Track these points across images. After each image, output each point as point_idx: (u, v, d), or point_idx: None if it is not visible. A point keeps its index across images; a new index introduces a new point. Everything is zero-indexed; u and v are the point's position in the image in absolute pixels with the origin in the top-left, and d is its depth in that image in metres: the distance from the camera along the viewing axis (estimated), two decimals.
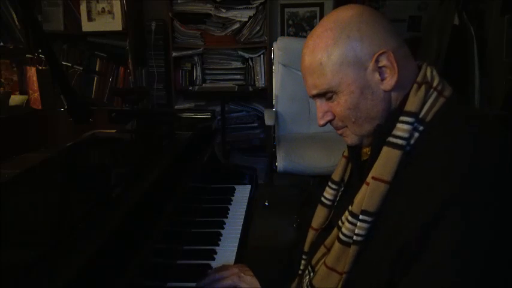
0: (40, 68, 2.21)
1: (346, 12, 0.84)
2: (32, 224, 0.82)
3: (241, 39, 3.48)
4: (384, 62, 0.81)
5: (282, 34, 3.68)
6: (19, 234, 0.77)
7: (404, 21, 3.73)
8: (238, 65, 3.57)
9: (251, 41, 3.50)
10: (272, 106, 3.11)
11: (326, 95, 0.86)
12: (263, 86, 3.55)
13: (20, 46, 2.46)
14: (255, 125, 3.69)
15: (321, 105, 0.88)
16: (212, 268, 1.12)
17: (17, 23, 2.52)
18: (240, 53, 3.53)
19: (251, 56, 3.54)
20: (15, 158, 1.29)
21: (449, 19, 3.16)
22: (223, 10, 3.40)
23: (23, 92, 2.30)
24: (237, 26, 3.45)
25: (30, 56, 2.31)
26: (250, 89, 3.51)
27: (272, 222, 2.81)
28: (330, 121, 0.89)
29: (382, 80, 0.82)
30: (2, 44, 2.48)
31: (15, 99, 2.19)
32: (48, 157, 1.24)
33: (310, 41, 0.85)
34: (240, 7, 3.41)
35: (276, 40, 3.12)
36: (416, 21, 3.74)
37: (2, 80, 2.28)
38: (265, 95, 3.51)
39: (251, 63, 3.57)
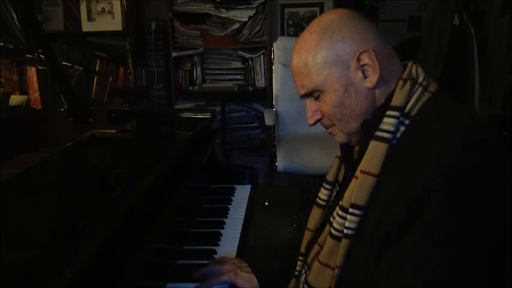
0: (40, 68, 2.21)
1: (329, 16, 0.89)
2: (32, 224, 0.82)
3: (241, 39, 3.48)
4: (365, 60, 0.84)
5: (282, 34, 3.68)
6: (19, 234, 0.77)
7: (404, 21, 3.74)
8: (238, 65, 3.56)
9: (251, 41, 3.50)
10: (272, 106, 3.11)
11: (313, 94, 0.90)
12: (263, 86, 3.55)
13: (20, 46, 2.46)
14: (255, 125, 3.69)
15: (309, 105, 0.92)
16: None
17: (17, 23, 2.52)
18: (240, 53, 3.53)
19: (251, 56, 3.53)
20: (15, 158, 1.29)
21: (449, 19, 3.16)
22: (223, 10, 3.40)
23: (23, 92, 2.30)
24: (237, 26, 3.45)
25: (30, 56, 2.31)
26: (250, 89, 3.51)
27: (272, 222, 2.81)
28: (318, 120, 0.93)
29: (365, 77, 0.85)
30: (2, 44, 2.48)
31: (15, 99, 2.19)
32: (48, 157, 1.24)
33: (297, 44, 0.90)
34: (240, 7, 3.41)
35: (276, 40, 3.12)
36: (416, 21, 3.74)
37: (2, 80, 2.28)
38: (265, 95, 3.51)
39: (251, 63, 3.57)
